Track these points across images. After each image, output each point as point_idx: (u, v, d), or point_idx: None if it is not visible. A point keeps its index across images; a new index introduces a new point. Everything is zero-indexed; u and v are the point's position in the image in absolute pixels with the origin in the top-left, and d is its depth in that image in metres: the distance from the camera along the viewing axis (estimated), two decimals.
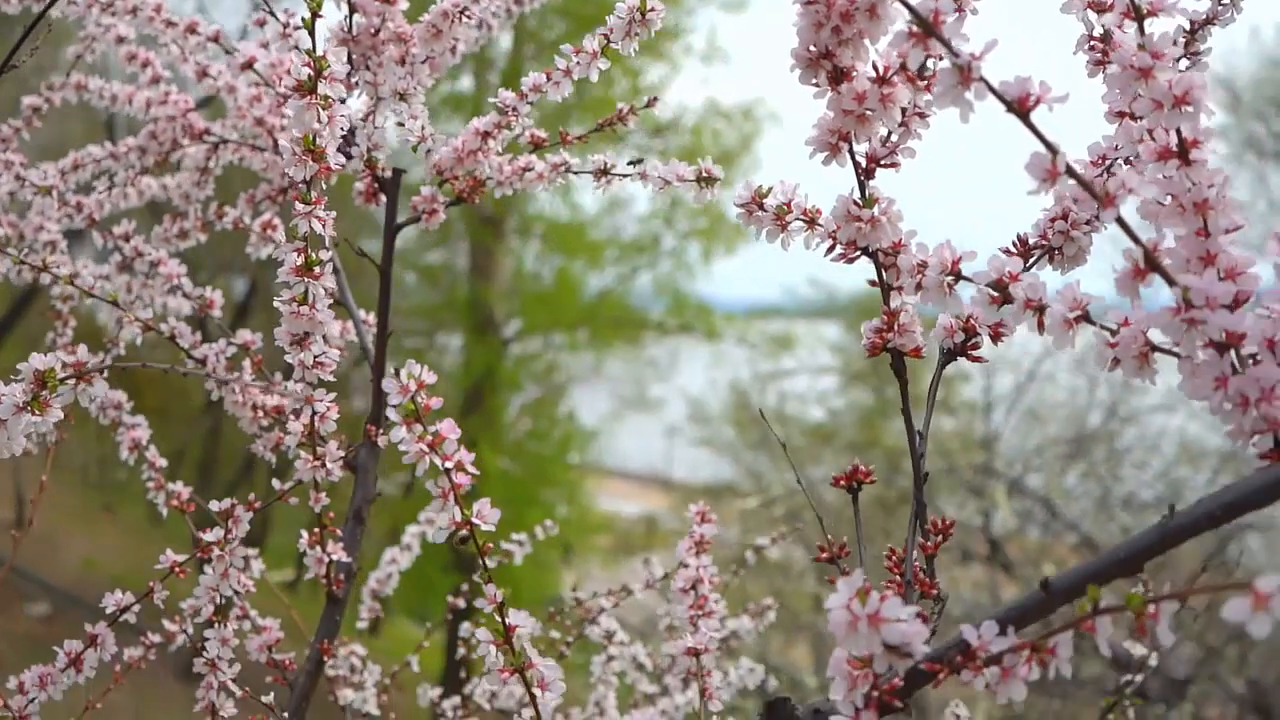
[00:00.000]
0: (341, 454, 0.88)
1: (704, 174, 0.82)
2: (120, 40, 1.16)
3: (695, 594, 0.90)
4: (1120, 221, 0.50)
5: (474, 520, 0.61)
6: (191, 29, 1.07)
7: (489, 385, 10.56)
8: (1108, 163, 0.66)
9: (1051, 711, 6.32)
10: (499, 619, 0.62)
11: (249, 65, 1.02)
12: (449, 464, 0.60)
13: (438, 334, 11.18)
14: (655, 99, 0.97)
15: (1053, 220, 0.66)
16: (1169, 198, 0.53)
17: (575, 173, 0.94)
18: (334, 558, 0.94)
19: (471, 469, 0.61)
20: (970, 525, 6.26)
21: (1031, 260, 0.67)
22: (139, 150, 1.16)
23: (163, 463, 1.07)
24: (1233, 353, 0.51)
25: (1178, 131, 0.52)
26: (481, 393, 10.52)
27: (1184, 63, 0.70)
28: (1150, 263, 0.50)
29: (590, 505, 10.53)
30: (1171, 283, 0.50)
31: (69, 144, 1.28)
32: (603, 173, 0.93)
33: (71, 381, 0.64)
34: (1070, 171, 0.49)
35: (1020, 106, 0.49)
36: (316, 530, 0.94)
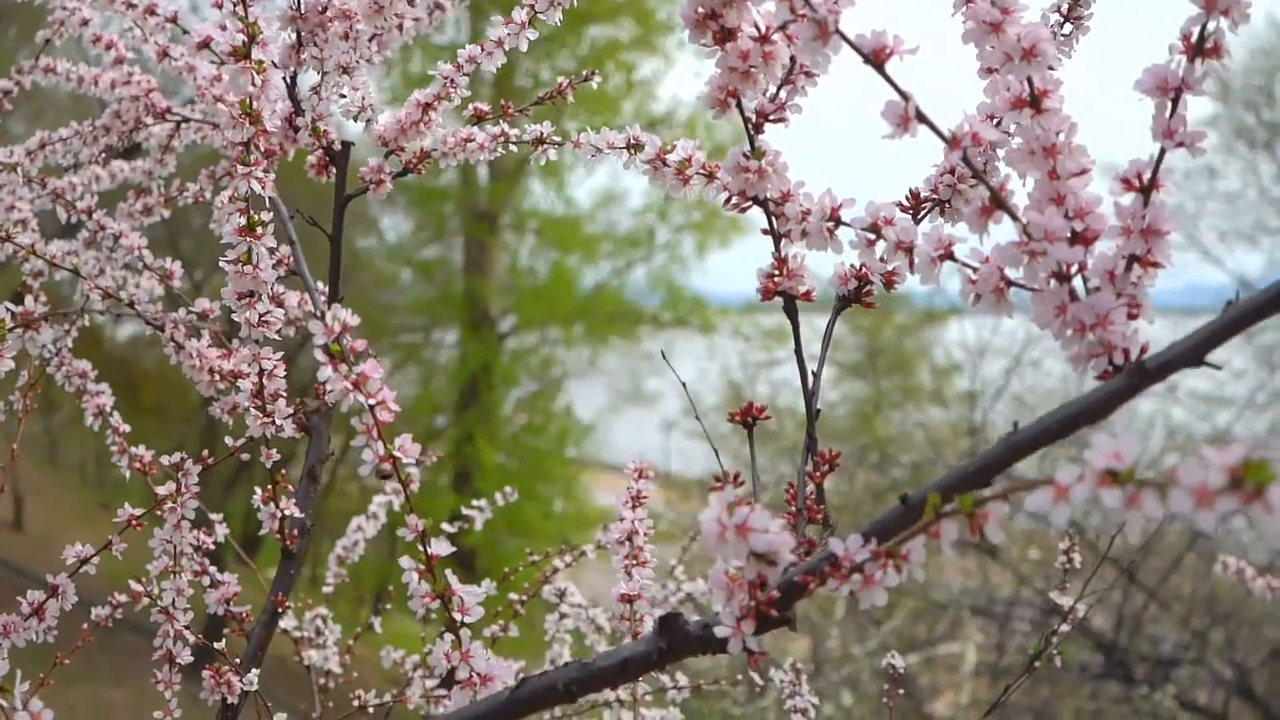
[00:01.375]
0: (291, 411, 0.92)
1: (632, 141, 0.86)
2: (85, 23, 1.20)
3: (631, 545, 0.95)
4: (968, 163, 0.54)
5: (395, 454, 0.65)
6: (150, 10, 1.11)
7: (485, 380, 10.60)
8: (995, 119, 0.70)
9: (1040, 697, 6.38)
10: (421, 548, 0.67)
11: (205, 44, 1.06)
12: (373, 401, 0.64)
13: (433, 329, 11.22)
14: (594, 73, 1.01)
15: (941, 174, 0.70)
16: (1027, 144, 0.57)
17: (514, 143, 0.99)
18: (287, 513, 0.99)
19: (393, 406, 0.65)
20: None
21: (923, 213, 0.71)
22: (103, 129, 1.20)
23: (126, 428, 1.11)
24: (1079, 283, 0.55)
25: (1029, 81, 0.56)
26: (478, 388, 10.56)
27: (1067, 26, 0.74)
28: (997, 201, 0.54)
29: (587, 500, 10.57)
30: (1015, 219, 0.54)
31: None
32: (539, 141, 0.97)
33: (19, 330, 0.68)
34: (920, 116, 0.53)
35: (876, 58, 0.54)
36: (270, 487, 0.98)
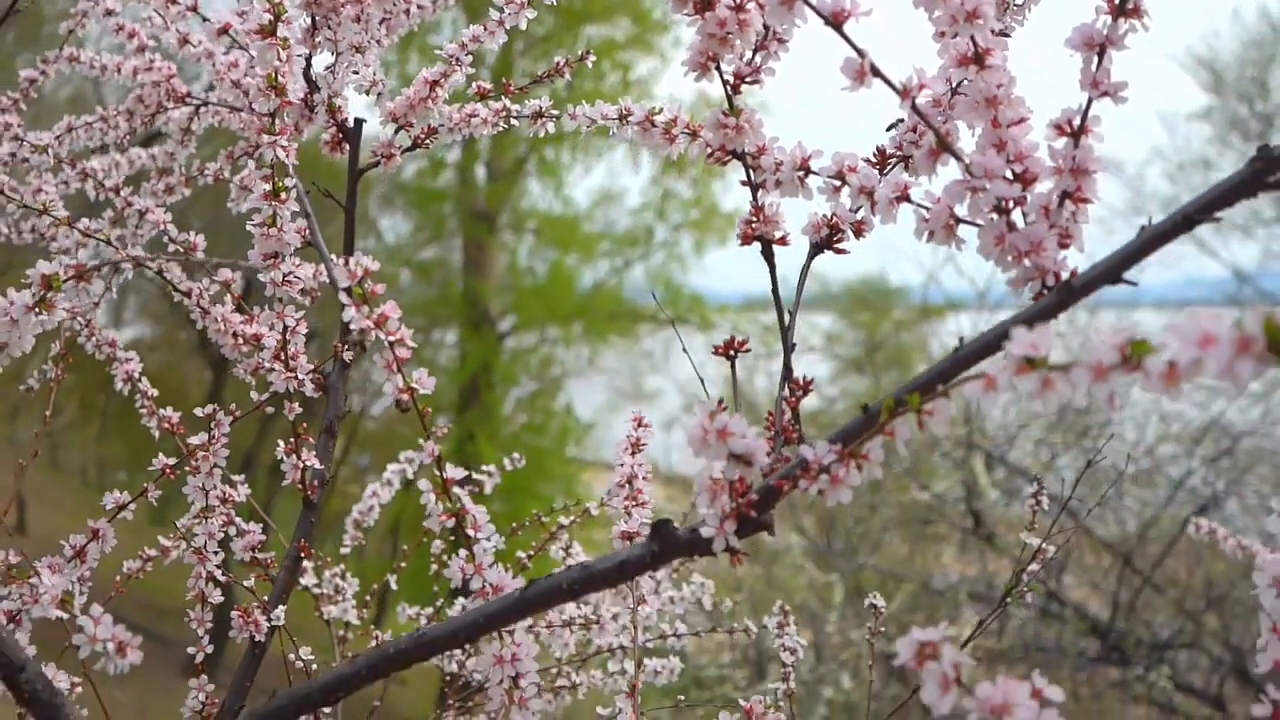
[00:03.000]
0: (311, 367, 1.00)
1: (624, 112, 0.93)
2: (109, 13, 1.28)
3: (630, 487, 1.02)
4: (917, 112, 0.61)
5: (414, 385, 0.73)
6: (170, 0, 1.18)
7: (485, 380, 10.67)
8: (948, 79, 0.78)
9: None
10: (437, 472, 0.74)
11: (224, 31, 1.13)
12: (392, 338, 0.72)
13: (434, 330, 11.29)
14: (588, 53, 1.09)
15: (904, 133, 0.77)
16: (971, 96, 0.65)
17: (515, 117, 1.06)
18: (309, 465, 1.06)
19: (411, 343, 0.72)
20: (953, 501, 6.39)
21: (889, 167, 0.78)
22: (127, 114, 1.27)
23: (154, 392, 1.19)
24: (1019, 217, 0.63)
25: (973, 41, 0.64)
26: (478, 387, 10.63)
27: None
28: (942, 144, 0.62)
29: (587, 498, 10.63)
30: (959, 159, 0.61)
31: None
32: (538, 115, 1.04)
33: (73, 281, 0.76)
34: (875, 71, 0.61)
35: (835, 20, 0.61)
36: (292, 440, 1.05)
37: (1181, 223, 0.56)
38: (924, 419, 0.56)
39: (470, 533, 0.74)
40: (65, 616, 0.73)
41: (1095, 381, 0.45)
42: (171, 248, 1.17)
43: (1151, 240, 0.57)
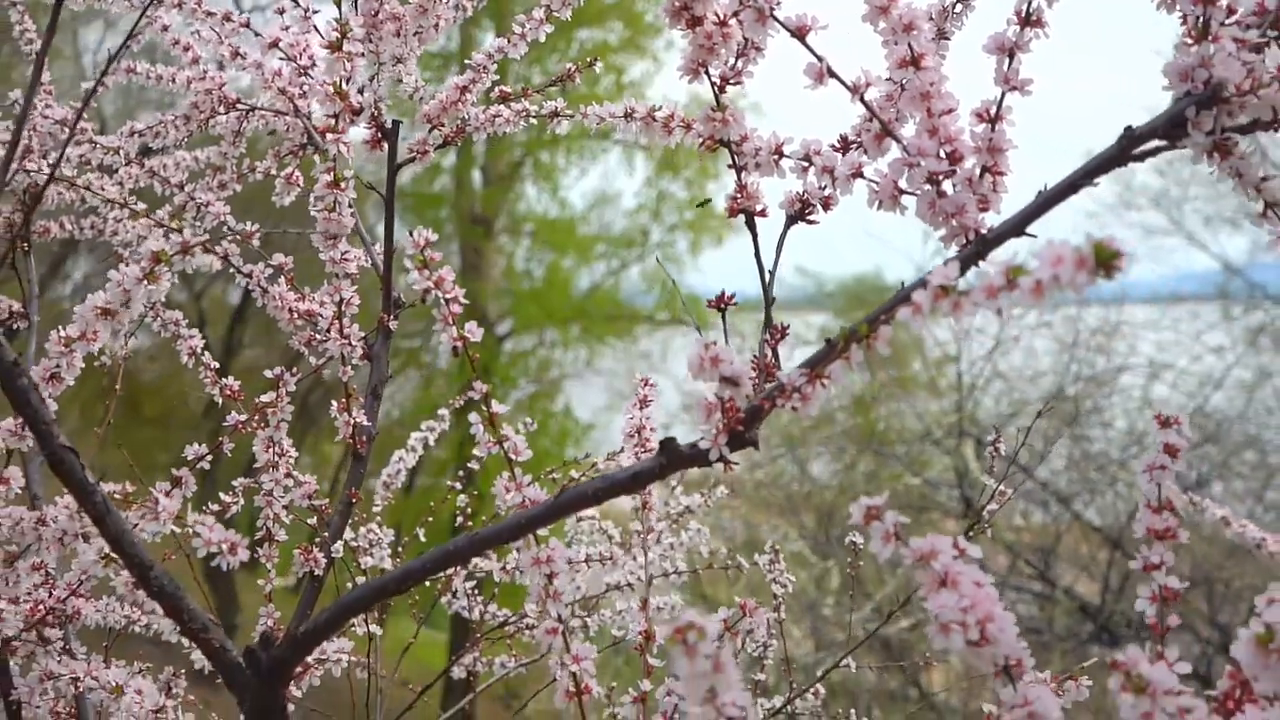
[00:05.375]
0: (363, 335, 1.16)
1: (629, 110, 1.10)
2: (165, 29, 1.44)
3: (639, 437, 1.18)
4: (865, 105, 0.78)
5: (465, 334, 0.89)
6: (226, 17, 1.34)
7: (484, 382, 10.82)
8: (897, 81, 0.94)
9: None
10: (485, 408, 0.90)
11: (274, 44, 1.30)
12: (448, 296, 0.88)
13: (432, 334, 11.43)
14: (595, 59, 1.25)
15: (861, 123, 0.94)
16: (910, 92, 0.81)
17: (533, 117, 1.22)
18: (358, 421, 1.22)
19: (463, 300, 0.89)
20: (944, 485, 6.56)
21: (851, 152, 0.94)
22: (184, 118, 1.43)
23: (216, 365, 1.35)
24: (948, 186, 0.79)
25: (909, 47, 0.80)
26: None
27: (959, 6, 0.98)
28: (885, 131, 0.78)
29: None
30: (899, 141, 0.78)
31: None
32: (554, 114, 1.21)
33: (180, 255, 0.92)
34: (831, 73, 0.77)
35: (800, 33, 0.77)
36: (344, 400, 1.21)
37: (1067, 188, 0.72)
38: (872, 343, 0.72)
39: (511, 457, 0.90)
40: (178, 531, 0.89)
41: (988, 299, 0.61)
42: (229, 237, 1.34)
43: (1045, 202, 0.73)
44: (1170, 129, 0.70)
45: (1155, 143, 0.72)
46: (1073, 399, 6.80)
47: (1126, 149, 0.71)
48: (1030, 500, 7.08)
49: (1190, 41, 0.71)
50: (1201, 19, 0.70)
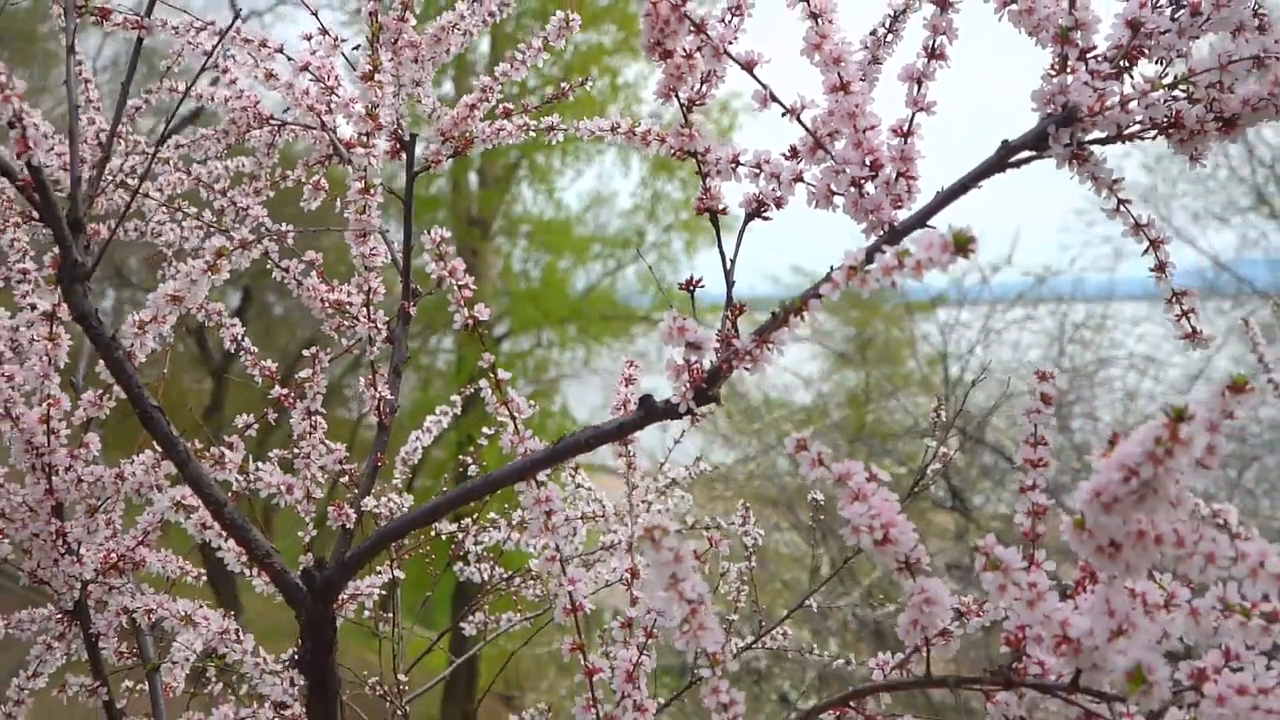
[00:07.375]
0: (388, 318, 1.35)
1: (614, 125, 1.28)
2: (206, 54, 1.62)
3: (625, 411, 1.37)
4: (801, 123, 0.97)
5: (475, 315, 1.07)
6: (263, 44, 1.53)
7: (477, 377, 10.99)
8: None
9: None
10: (493, 375, 1.09)
11: (305, 68, 1.48)
12: (460, 282, 1.07)
13: (430, 336, 11.63)
14: (587, 78, 1.44)
15: (803, 138, 1.12)
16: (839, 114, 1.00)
17: (534, 131, 1.41)
18: (384, 395, 1.41)
19: (472, 286, 1.07)
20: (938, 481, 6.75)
21: (797, 160, 1.13)
22: (223, 133, 1.62)
23: (255, 349, 1.53)
24: (870, 188, 0.98)
25: (838, 75, 0.99)
26: (476, 392, 10.94)
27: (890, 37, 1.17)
28: (817, 143, 0.97)
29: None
30: (827, 152, 0.96)
31: None
32: (552, 128, 1.39)
33: (239, 250, 1.10)
34: (773, 98, 0.96)
35: (748, 66, 0.96)
36: (370, 375, 1.40)
37: (958, 188, 0.91)
38: (804, 313, 0.90)
39: (515, 414, 1.09)
40: (243, 481, 1.08)
41: (885, 276, 0.80)
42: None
43: (940, 201, 0.92)
44: (1036, 142, 0.89)
45: (1027, 153, 0.91)
46: (1061, 392, 6.98)
47: (1004, 157, 0.90)
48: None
49: (1053, 73, 0.90)
50: (1060, 55, 0.89)
